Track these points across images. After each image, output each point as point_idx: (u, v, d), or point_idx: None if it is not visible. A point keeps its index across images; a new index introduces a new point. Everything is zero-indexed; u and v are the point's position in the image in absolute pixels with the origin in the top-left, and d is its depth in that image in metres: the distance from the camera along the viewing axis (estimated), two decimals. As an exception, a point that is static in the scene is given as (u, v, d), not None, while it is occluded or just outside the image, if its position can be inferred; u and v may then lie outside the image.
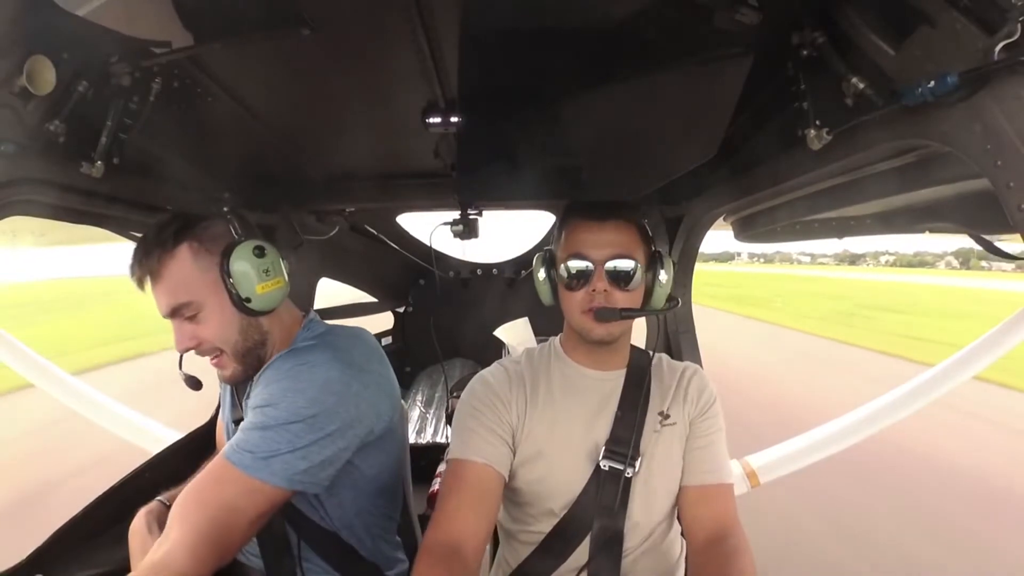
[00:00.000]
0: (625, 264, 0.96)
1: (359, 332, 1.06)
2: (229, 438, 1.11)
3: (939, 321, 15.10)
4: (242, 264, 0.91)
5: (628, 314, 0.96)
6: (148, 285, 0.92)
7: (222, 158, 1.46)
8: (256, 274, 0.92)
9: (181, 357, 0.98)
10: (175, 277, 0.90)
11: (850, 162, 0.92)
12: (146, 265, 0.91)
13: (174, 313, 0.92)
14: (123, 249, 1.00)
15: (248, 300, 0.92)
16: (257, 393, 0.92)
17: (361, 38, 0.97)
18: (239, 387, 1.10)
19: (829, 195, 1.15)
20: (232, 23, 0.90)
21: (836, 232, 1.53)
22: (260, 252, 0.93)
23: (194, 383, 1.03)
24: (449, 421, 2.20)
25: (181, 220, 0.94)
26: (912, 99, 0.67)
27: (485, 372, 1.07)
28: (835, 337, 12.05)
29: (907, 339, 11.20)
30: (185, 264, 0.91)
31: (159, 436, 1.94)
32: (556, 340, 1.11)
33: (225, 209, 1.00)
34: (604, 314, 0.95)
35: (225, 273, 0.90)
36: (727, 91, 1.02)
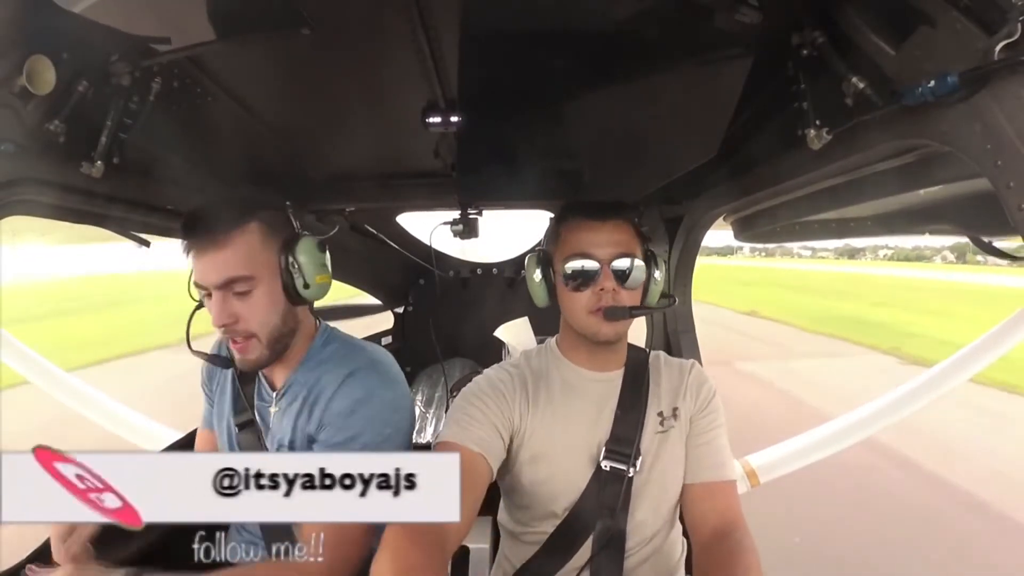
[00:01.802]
0: (630, 262, 0.96)
1: (381, 349, 1.10)
2: (232, 441, 1.09)
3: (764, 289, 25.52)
4: (308, 254, 0.96)
5: (638, 312, 0.96)
6: (193, 254, 0.92)
7: (222, 158, 1.46)
8: (317, 265, 0.97)
9: (188, 334, 1.00)
10: (241, 249, 0.91)
11: (850, 162, 0.92)
12: (212, 232, 0.90)
13: (226, 285, 0.91)
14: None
15: (307, 287, 0.95)
16: (334, 427, 0.95)
17: (361, 38, 0.97)
18: (245, 388, 1.09)
19: (829, 195, 1.15)
20: (232, 23, 0.90)
21: (836, 233, 1.53)
22: (322, 247, 0.99)
23: (224, 362, 1.04)
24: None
25: (251, 200, 0.97)
26: (912, 99, 0.67)
27: (488, 371, 1.07)
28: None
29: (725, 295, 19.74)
30: (253, 239, 0.92)
31: (159, 436, 1.94)
32: (552, 342, 1.10)
33: (288, 203, 1.04)
34: (615, 313, 0.94)
35: (291, 258, 0.94)
36: (727, 91, 1.02)
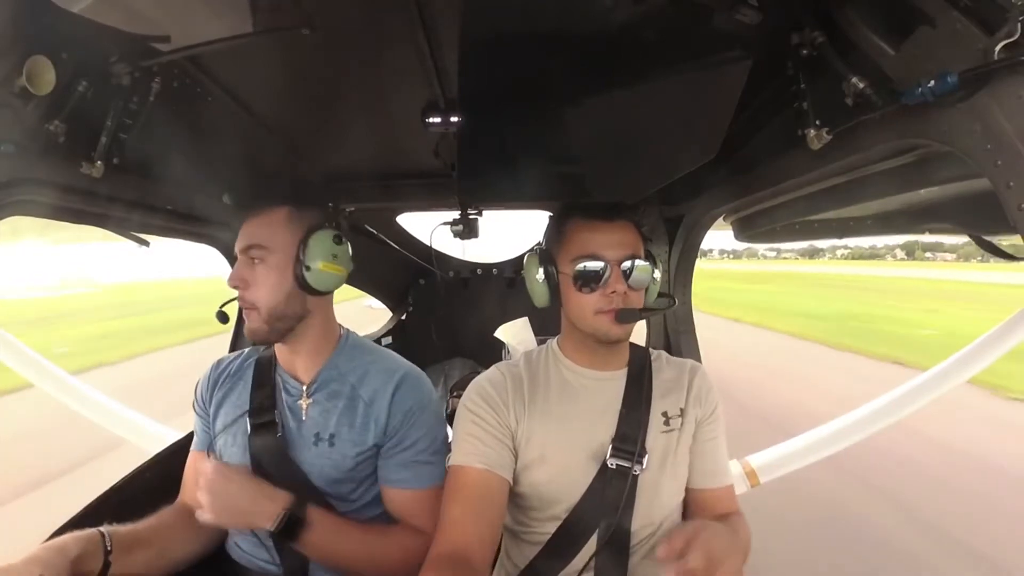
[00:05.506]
0: (638, 263, 0.96)
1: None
2: (244, 443, 1.06)
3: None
4: (318, 240, 1.02)
5: (648, 313, 0.97)
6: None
7: (222, 158, 1.46)
8: (324, 253, 1.02)
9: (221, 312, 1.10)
10: (266, 224, 1.03)
11: (850, 162, 0.92)
12: (251, 207, 1.06)
13: (247, 250, 1.02)
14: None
15: (308, 269, 1.00)
16: (401, 416, 1.04)
17: (361, 38, 0.97)
18: (263, 389, 1.07)
19: (829, 195, 1.15)
20: (232, 23, 0.90)
21: (836, 232, 1.53)
22: (338, 240, 1.04)
23: (223, 317, 1.11)
24: (449, 421, 2.20)
25: (293, 192, 1.10)
26: (912, 99, 0.67)
27: (482, 377, 1.06)
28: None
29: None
30: (279, 219, 1.03)
31: (159, 436, 1.94)
32: (554, 343, 1.09)
33: (330, 204, 1.15)
34: (626, 316, 0.94)
35: (301, 242, 1.01)
36: (727, 91, 1.02)
